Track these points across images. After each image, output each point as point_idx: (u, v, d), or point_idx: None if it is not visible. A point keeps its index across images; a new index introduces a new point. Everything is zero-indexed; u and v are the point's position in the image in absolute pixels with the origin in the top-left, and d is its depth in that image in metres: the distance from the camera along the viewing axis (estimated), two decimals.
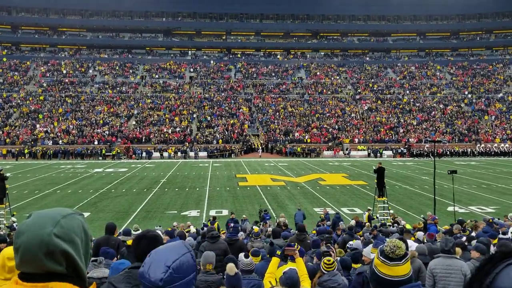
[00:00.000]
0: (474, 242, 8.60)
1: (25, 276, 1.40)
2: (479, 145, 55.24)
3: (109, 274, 4.53)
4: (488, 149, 54.22)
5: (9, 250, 1.96)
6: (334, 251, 6.73)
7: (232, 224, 14.63)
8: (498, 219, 15.00)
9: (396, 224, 15.61)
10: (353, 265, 6.66)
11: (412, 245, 8.14)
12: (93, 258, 6.13)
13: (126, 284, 2.44)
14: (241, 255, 6.03)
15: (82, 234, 1.47)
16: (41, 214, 1.45)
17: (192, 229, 14.67)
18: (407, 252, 2.25)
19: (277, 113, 63.71)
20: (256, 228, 11.48)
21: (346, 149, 54.17)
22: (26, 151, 49.59)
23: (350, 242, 9.04)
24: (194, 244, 9.48)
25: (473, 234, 11.16)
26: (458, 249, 6.84)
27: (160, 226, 16.39)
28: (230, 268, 5.03)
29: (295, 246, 5.83)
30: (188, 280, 1.58)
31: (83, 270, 1.46)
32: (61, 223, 1.42)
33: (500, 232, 10.02)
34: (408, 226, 14.36)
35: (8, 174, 19.62)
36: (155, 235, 2.55)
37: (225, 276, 5.42)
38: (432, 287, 5.75)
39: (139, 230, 8.08)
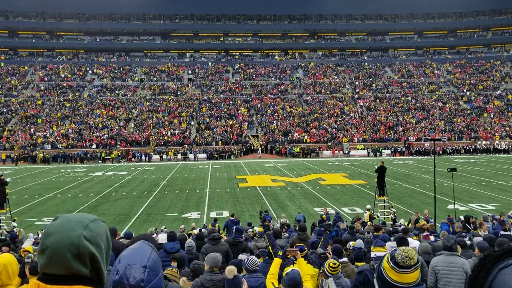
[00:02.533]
0: (475, 239, 8.60)
1: (49, 279, 1.41)
2: (479, 142, 55.26)
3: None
4: (487, 146, 54.25)
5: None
6: (331, 253, 6.71)
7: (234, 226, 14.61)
8: (500, 215, 15.00)
9: (395, 223, 15.61)
10: (356, 263, 6.65)
11: (412, 242, 8.15)
12: None
13: None
14: (252, 256, 6.02)
15: (105, 240, 1.51)
16: (70, 217, 1.49)
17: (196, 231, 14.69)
18: (418, 260, 2.24)
19: (276, 114, 63.72)
20: (260, 228, 11.48)
21: (346, 149, 54.19)
22: (40, 156, 49.31)
23: (350, 243, 9.03)
24: (195, 245, 9.47)
25: (481, 232, 11.14)
26: (457, 247, 6.85)
27: (165, 228, 16.42)
28: (229, 271, 5.02)
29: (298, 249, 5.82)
30: (161, 275, 1.63)
31: (105, 275, 1.49)
32: (90, 227, 1.46)
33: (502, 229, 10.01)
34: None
35: (8, 179, 19.55)
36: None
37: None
38: (434, 284, 5.76)
39: (154, 233, 8.10)
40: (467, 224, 12.80)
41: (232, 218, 15.95)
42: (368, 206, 18.54)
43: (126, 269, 1.54)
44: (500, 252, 1.10)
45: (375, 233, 10.19)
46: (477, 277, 1.10)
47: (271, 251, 6.73)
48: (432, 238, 10.78)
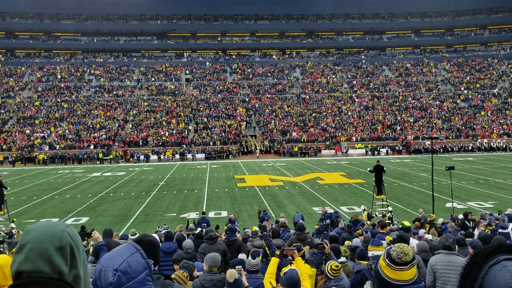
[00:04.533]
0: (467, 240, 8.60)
1: (18, 285, 1.35)
2: (480, 140, 55.39)
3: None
4: (485, 144, 54.37)
5: None
6: (328, 244, 6.69)
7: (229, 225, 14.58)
8: (499, 213, 15.03)
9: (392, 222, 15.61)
10: (361, 261, 6.66)
11: (412, 242, 8.14)
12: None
13: None
14: (249, 257, 6.03)
15: (81, 248, 1.48)
16: (49, 221, 1.51)
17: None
18: (414, 257, 2.24)
19: (274, 113, 63.73)
20: (254, 227, 11.47)
21: (344, 148, 54.23)
22: (40, 157, 49.12)
23: (346, 243, 9.03)
24: (193, 246, 9.48)
25: (477, 231, 11.15)
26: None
27: (165, 225, 16.42)
28: (230, 275, 5.01)
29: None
30: (141, 279, 1.59)
31: (81, 280, 1.44)
32: (70, 227, 1.47)
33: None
34: (407, 223, 14.36)
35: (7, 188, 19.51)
36: (151, 239, 2.53)
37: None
38: (432, 283, 5.77)
39: (136, 234, 8.00)
40: (466, 222, 12.77)
41: (204, 216, 16.45)
42: (363, 207, 18.57)
43: (101, 272, 1.54)
44: (490, 248, 1.11)
45: (381, 231, 10.19)
46: (469, 274, 1.10)
47: (268, 252, 6.73)
48: None
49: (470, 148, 53.88)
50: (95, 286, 1.53)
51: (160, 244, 7.90)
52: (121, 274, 1.53)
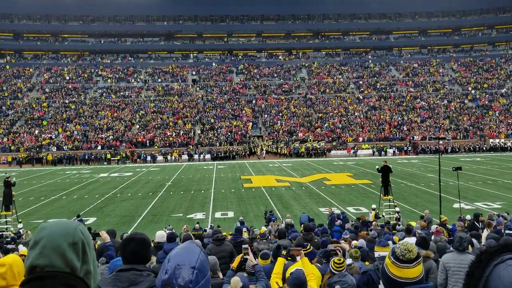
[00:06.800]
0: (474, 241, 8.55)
1: (32, 279, 1.38)
2: (492, 140, 55.03)
3: (108, 273, 4.56)
4: (494, 145, 54.04)
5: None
6: (341, 250, 6.70)
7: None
8: (507, 213, 14.94)
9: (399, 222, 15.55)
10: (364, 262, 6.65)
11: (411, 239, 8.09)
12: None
13: (113, 287, 2.43)
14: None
15: (92, 246, 1.54)
16: (61, 219, 1.57)
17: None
18: (419, 255, 2.24)
19: (280, 114, 63.70)
20: (262, 229, 11.46)
21: (353, 148, 54.10)
22: (50, 157, 49.51)
23: (352, 243, 9.01)
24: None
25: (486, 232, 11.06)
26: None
27: (169, 225, 16.48)
28: (235, 284, 5.01)
29: (308, 246, 5.84)
30: (208, 277, 1.64)
31: (92, 275, 1.49)
32: (82, 225, 1.54)
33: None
34: (413, 224, 14.30)
35: (13, 180, 19.63)
36: (143, 237, 2.56)
37: None
38: (444, 281, 5.76)
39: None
40: (475, 222, 12.66)
41: (80, 218, 17.83)
42: (374, 206, 18.52)
43: (176, 269, 1.55)
44: (496, 248, 1.11)
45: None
46: (474, 273, 1.11)
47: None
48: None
49: (479, 148, 53.49)
50: (170, 284, 1.54)
51: (164, 244, 7.89)
52: (198, 272, 1.56)
